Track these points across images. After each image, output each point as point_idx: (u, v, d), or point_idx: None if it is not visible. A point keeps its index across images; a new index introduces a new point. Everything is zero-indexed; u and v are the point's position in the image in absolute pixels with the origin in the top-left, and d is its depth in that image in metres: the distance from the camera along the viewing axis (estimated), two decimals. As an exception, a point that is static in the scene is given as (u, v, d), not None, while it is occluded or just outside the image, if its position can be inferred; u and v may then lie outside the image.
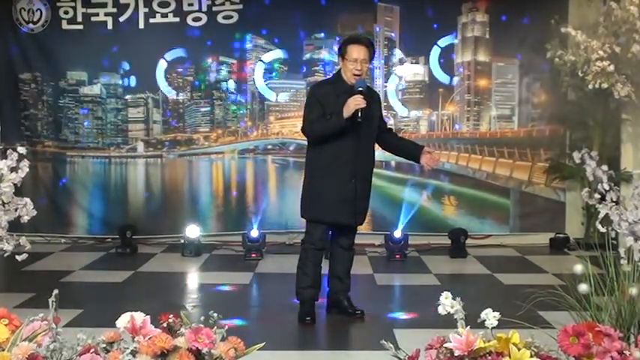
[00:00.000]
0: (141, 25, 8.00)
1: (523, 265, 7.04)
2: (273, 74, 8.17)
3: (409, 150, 5.08)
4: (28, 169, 4.71)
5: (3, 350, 2.26)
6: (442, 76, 8.09)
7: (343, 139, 4.71)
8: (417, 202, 8.07)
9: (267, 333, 4.41)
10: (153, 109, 8.27)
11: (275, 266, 6.79)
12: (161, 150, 8.30)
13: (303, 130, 4.90)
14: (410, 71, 8.16)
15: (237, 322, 4.71)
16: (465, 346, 2.30)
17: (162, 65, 8.10)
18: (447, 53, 8.08)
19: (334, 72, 5.25)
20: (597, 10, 7.26)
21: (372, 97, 4.83)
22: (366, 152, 4.87)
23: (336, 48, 7.87)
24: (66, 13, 8.00)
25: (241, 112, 8.28)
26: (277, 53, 8.13)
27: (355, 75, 4.72)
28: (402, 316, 5.23)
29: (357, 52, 4.73)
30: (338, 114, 4.62)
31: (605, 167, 3.67)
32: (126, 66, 8.10)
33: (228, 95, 8.27)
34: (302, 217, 5.00)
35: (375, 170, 5.05)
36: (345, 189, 4.77)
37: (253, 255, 7.16)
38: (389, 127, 5.26)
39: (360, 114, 4.61)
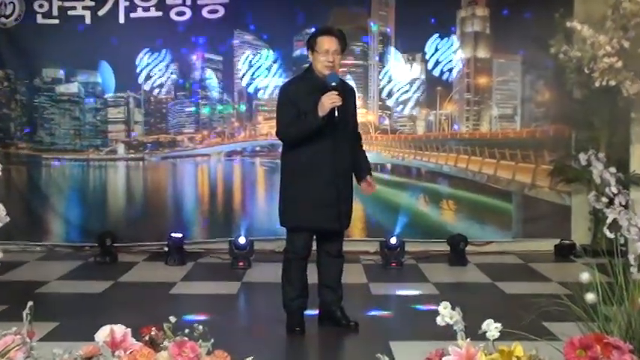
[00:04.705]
0: (121, 20, 7.98)
1: (526, 274, 7.05)
2: (262, 72, 8.16)
3: (356, 167, 4.97)
4: (0, 173, 4.69)
5: (-27, 366, 2.25)
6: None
7: (319, 139, 4.67)
8: (414, 207, 8.07)
9: (255, 346, 4.40)
10: (134, 108, 8.25)
11: (263, 275, 6.77)
12: (143, 152, 8.28)
13: (277, 133, 4.88)
14: (406, 68, 8.16)
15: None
16: (465, 360, 2.30)
17: (144, 62, 8.09)
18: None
19: (304, 68, 5.18)
20: (605, 2, 7.27)
21: (345, 91, 4.79)
22: (344, 151, 4.81)
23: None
24: (41, 6, 7.96)
25: (228, 112, 8.28)
26: (266, 49, 8.13)
27: (327, 67, 4.70)
28: (398, 327, 5.24)
29: (327, 43, 4.72)
30: (313, 113, 4.61)
31: (613, 169, 3.67)
32: (104, 63, 8.09)
33: (214, 94, 8.26)
34: (281, 225, 4.96)
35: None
36: (325, 192, 4.73)
37: (240, 263, 7.15)
38: (358, 131, 5.11)
39: (337, 112, 4.60)
